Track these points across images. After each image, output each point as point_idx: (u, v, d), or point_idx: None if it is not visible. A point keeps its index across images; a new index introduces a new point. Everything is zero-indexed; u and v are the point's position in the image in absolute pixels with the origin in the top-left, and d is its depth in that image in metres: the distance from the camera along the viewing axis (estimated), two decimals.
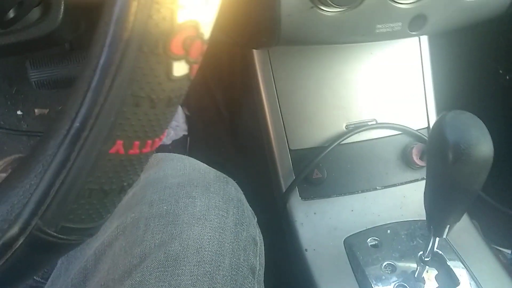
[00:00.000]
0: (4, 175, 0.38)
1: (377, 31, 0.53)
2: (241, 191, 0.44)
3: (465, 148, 0.40)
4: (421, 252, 0.53)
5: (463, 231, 0.60)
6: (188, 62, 0.21)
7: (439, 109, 0.70)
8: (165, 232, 0.36)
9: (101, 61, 0.20)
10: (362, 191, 0.64)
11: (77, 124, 0.21)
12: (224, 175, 0.44)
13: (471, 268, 0.54)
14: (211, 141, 0.98)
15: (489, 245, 0.60)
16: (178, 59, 0.21)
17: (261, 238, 0.43)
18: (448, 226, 0.47)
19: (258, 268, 0.40)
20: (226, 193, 0.41)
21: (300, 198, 0.63)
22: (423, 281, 0.53)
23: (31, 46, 0.51)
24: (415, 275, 0.53)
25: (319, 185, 0.63)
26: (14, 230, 0.21)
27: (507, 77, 0.87)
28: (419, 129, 0.67)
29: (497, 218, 0.74)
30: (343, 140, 0.64)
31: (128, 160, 0.22)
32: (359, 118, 0.66)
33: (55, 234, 0.21)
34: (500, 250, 0.74)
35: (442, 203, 0.46)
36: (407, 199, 0.64)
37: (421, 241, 0.56)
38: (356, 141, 0.65)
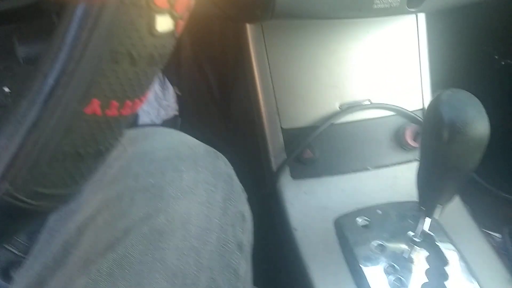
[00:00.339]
0: None
1: (375, 6, 0.51)
2: (231, 167, 0.43)
3: (461, 127, 0.40)
4: (412, 233, 0.53)
5: (454, 214, 0.60)
6: (172, 17, 0.20)
7: (434, 91, 0.69)
8: (150, 206, 0.35)
9: (78, 13, 0.19)
10: (354, 172, 0.63)
11: (50, 81, 0.19)
12: (214, 150, 0.42)
13: (461, 250, 0.54)
14: (203, 121, 0.97)
15: (479, 228, 0.60)
16: (162, 12, 0.19)
17: (250, 214, 0.42)
18: (440, 206, 0.47)
19: (245, 244, 0.39)
20: (215, 167, 0.40)
21: (290, 177, 0.62)
22: (412, 261, 0.52)
23: (18, 15, 0.50)
24: (405, 256, 0.53)
25: (310, 164, 0.62)
26: None
27: (503, 63, 0.87)
28: (414, 110, 0.66)
29: (488, 200, 0.74)
30: (336, 120, 0.63)
31: (106, 122, 0.20)
32: (353, 98, 0.65)
33: (26, 199, 0.20)
34: (490, 234, 0.74)
35: (435, 182, 0.45)
36: (398, 180, 0.63)
37: (412, 222, 0.56)
38: (350, 121, 0.64)
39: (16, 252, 0.45)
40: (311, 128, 0.62)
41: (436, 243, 0.53)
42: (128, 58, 0.19)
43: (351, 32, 0.64)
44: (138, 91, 0.21)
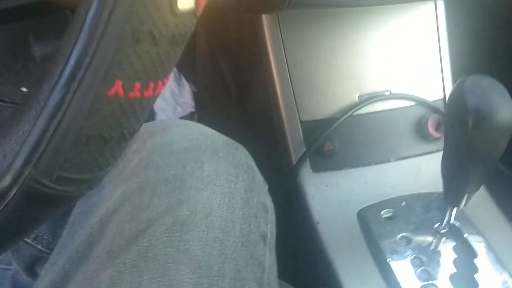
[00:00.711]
0: None
1: None
2: (251, 158, 0.42)
3: (485, 114, 0.38)
4: (437, 224, 0.51)
5: (480, 204, 0.58)
6: None
7: (455, 80, 0.67)
8: (172, 197, 0.35)
9: None
10: (375, 163, 0.62)
11: (71, 62, 0.19)
12: (234, 141, 0.42)
13: (489, 240, 0.52)
14: (219, 117, 0.96)
15: (507, 217, 0.58)
16: None
17: (272, 206, 0.42)
18: (466, 195, 0.46)
19: (269, 236, 0.39)
20: (235, 158, 0.39)
21: (311, 170, 0.61)
22: (439, 253, 0.51)
23: (32, 11, 0.49)
24: (431, 248, 0.51)
25: (330, 157, 0.61)
26: (6, 180, 0.19)
27: None
28: (435, 100, 0.65)
29: None
30: (355, 111, 0.62)
31: (129, 104, 0.20)
32: (372, 89, 0.64)
33: (50, 184, 0.20)
34: None
35: (460, 171, 0.44)
36: (422, 171, 0.62)
37: (437, 213, 0.54)
38: (369, 112, 0.63)
39: (40, 247, 0.45)
40: (330, 120, 0.61)
41: (463, 234, 0.52)
42: (150, 37, 0.19)
43: (369, 22, 0.63)
44: (160, 72, 0.20)
